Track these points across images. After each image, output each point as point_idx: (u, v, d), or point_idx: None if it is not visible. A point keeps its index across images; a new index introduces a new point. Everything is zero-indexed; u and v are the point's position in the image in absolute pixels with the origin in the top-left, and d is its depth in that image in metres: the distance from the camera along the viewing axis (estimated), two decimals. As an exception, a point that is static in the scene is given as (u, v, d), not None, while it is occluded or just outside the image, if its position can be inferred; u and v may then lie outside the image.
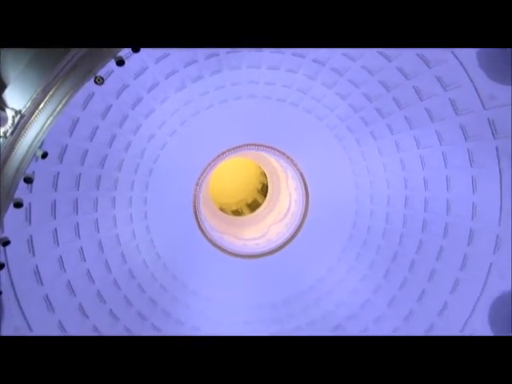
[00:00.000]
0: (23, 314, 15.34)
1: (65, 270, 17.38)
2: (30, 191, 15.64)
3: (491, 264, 17.05)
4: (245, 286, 21.43)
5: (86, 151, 17.18)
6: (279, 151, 21.40)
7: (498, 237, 16.85)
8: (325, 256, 21.31)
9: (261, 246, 23.19)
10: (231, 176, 29.96)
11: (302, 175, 21.92)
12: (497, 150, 15.27)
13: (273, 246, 22.54)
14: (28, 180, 11.61)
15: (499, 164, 15.36)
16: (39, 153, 10.91)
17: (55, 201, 17.04)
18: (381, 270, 20.09)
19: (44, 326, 16.03)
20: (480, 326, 16.57)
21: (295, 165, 21.80)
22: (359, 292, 20.52)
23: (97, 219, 18.86)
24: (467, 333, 16.84)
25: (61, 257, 17.27)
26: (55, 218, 17.15)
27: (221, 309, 21.17)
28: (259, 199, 29.01)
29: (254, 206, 28.86)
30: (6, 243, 11.26)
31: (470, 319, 16.97)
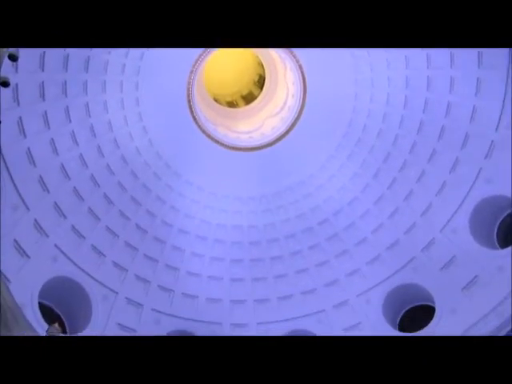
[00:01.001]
0: (19, 193, 15.67)
1: (57, 153, 17.35)
2: (16, 70, 14.87)
3: (481, 169, 17.35)
4: (237, 178, 21.74)
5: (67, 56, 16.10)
6: (279, 40, 20.11)
7: (492, 142, 16.89)
8: (318, 153, 21.33)
9: (254, 139, 23.04)
10: (227, 65, 28.54)
11: (300, 68, 20.92)
12: (510, 52, 14.54)
13: (266, 140, 22.41)
14: (13, 57, 10.91)
15: (509, 67, 14.73)
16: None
17: (43, 82, 16.33)
18: (371, 170, 20.38)
19: (40, 206, 16.51)
20: (461, 228, 17.40)
21: (294, 56, 20.68)
22: (348, 189, 21.04)
23: (87, 103, 18.30)
24: (447, 233, 17.71)
25: (52, 139, 17.11)
26: (44, 99, 16.60)
27: (213, 198, 21.74)
28: (255, 92, 28.08)
29: (249, 99, 28.02)
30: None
31: (451, 220, 17.76)
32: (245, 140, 23.05)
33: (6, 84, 10.65)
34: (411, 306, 18.84)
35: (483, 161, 17.11)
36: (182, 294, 19.94)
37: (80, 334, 16.50)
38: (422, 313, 18.20)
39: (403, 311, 18.91)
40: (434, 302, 17.56)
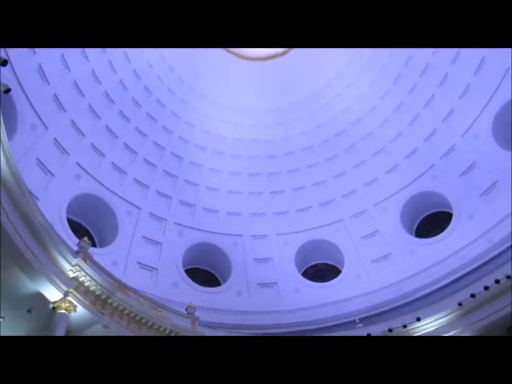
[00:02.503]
0: (36, 111, 15.57)
1: (69, 69, 16.90)
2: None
3: (507, 70, 16.43)
4: (252, 90, 21.16)
5: None
6: None
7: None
8: (335, 59, 20.30)
9: (268, 49, 21.97)
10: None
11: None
12: None
13: (280, 49, 21.36)
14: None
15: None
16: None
17: None
18: (392, 75, 19.52)
19: (58, 125, 16.48)
20: (483, 132, 16.93)
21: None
22: (367, 97, 20.37)
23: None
24: (468, 138, 17.31)
25: (63, 55, 16.59)
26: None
27: (229, 112, 21.39)
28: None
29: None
30: (4, 62, 10.43)
31: (473, 125, 17.26)
32: (258, 50, 22.01)
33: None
34: (429, 212, 19.06)
35: (510, 63, 16.15)
36: (203, 208, 20.48)
37: (108, 247, 17.35)
38: (439, 219, 18.46)
39: (420, 218, 19.21)
40: (451, 208, 17.73)
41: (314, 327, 16.66)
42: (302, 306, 17.81)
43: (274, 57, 20.91)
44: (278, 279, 19.27)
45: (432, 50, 18.02)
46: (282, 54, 20.86)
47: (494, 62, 16.51)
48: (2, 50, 13.29)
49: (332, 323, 16.70)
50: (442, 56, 17.78)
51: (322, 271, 19.93)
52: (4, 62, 9.64)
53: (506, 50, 15.68)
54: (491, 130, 16.75)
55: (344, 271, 18.98)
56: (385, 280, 17.45)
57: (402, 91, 19.26)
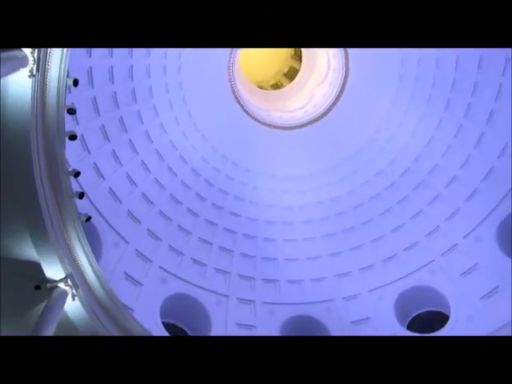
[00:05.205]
0: (114, 230, 16.91)
1: (136, 184, 18.42)
2: (77, 123, 15.98)
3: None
4: (306, 155, 21.50)
5: (111, 67, 16.89)
6: None
7: None
8: (378, 104, 20.34)
9: (310, 112, 22.57)
10: (261, 50, 28.32)
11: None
12: None
13: (321, 109, 21.84)
14: (71, 111, 11.73)
15: None
16: (70, 81, 10.81)
17: (103, 125, 17.38)
18: (440, 103, 19.00)
19: (136, 237, 17.69)
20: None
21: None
22: (421, 131, 19.83)
23: (146, 131, 19.17)
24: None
25: (127, 173, 18.19)
26: (109, 141, 17.69)
27: (289, 182, 21.71)
28: (296, 65, 27.52)
29: (291, 75, 27.54)
30: (77, 174, 11.82)
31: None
32: (300, 116, 22.69)
33: (73, 137, 11.50)
34: None
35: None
36: (287, 281, 20.24)
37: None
38: None
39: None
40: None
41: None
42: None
43: (316, 120, 21.37)
44: (382, 339, 18.00)
45: (476, 63, 17.46)
46: (324, 115, 21.28)
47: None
48: (76, 183, 14.81)
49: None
50: (490, 69, 17.12)
51: (427, 321, 18.35)
52: (88, 219, 10.76)
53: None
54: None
55: (452, 315, 17.32)
56: (502, 316, 15.63)
57: (456, 115, 18.57)
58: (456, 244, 18.29)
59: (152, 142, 19.28)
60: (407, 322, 18.60)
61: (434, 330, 17.42)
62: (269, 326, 18.76)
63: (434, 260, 18.66)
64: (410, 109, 20.06)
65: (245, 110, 21.57)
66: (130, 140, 18.48)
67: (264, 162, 21.76)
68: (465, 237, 18.11)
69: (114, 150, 17.81)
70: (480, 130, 18.01)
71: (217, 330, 17.87)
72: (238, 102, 21.41)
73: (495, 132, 17.57)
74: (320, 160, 21.52)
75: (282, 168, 21.74)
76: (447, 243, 18.53)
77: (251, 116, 21.68)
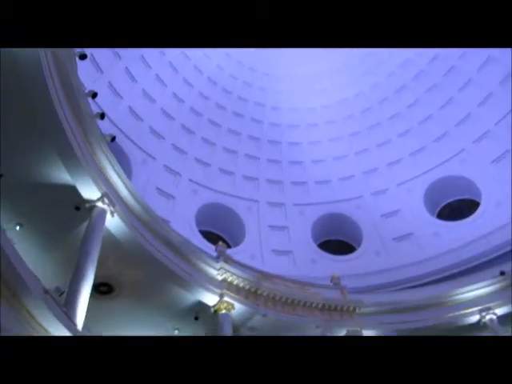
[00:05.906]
0: (140, 148, 17.22)
1: (154, 100, 18.20)
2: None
3: None
4: (327, 51, 20.32)
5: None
6: None
7: None
8: None
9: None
10: None
11: None
12: None
13: None
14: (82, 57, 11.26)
15: None
16: None
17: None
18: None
19: (162, 152, 17.99)
20: None
21: None
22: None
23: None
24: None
25: (143, 90, 17.90)
26: (120, 58, 17.17)
27: (310, 82, 20.88)
28: None
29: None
30: (95, 95, 11.60)
31: None
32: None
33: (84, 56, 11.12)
34: None
35: None
36: (315, 182, 20.49)
37: (241, 244, 18.38)
38: None
39: None
40: None
41: (463, 268, 15.63)
42: (446, 250, 16.73)
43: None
44: (412, 229, 18.41)
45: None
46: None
47: None
48: (95, 105, 14.75)
49: (482, 260, 15.46)
50: None
51: (457, 209, 18.51)
52: (113, 139, 10.83)
53: None
54: None
55: (483, 202, 17.34)
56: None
57: None
58: (488, 131, 17.69)
59: (164, 54, 18.58)
60: (437, 212, 18.85)
61: (463, 217, 17.68)
62: (300, 225, 19.46)
63: (463, 149, 18.26)
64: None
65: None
66: (142, 55, 17.86)
67: (281, 63, 20.76)
68: (496, 124, 17.43)
69: (126, 68, 17.35)
70: None
71: (251, 234, 18.74)
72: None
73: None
74: (341, 55, 20.30)
75: (301, 68, 20.74)
76: (478, 130, 17.93)
77: (265, 13, 20.26)
